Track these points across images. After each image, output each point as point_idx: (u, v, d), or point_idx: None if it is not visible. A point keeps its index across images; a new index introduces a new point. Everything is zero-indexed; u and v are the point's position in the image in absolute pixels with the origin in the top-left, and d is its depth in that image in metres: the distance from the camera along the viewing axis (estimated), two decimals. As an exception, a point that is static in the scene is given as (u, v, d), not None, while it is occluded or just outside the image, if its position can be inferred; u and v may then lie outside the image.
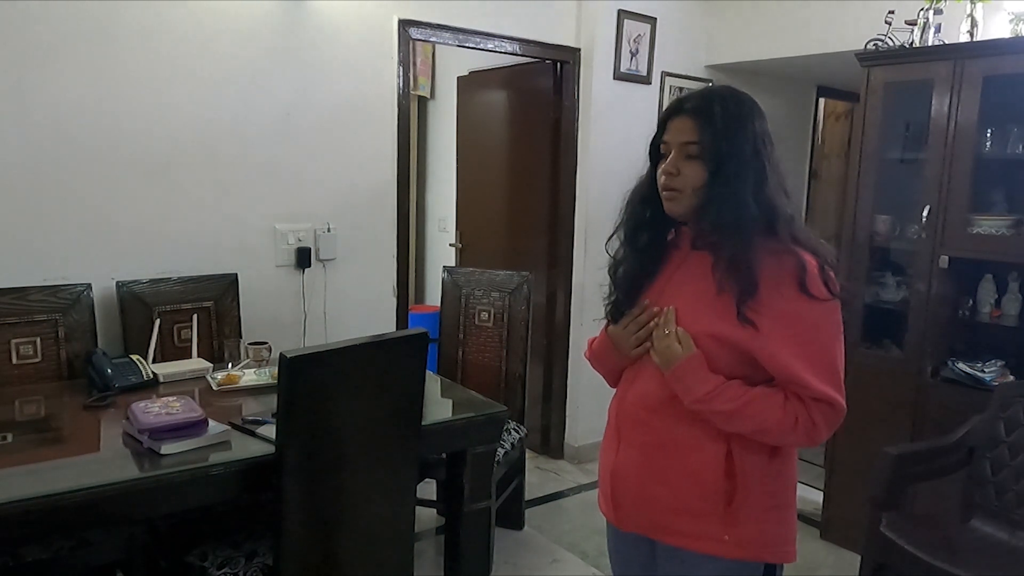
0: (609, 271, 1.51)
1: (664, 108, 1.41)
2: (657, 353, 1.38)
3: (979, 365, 2.77)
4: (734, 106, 1.33)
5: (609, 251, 1.51)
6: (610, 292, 1.50)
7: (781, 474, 1.41)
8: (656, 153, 1.40)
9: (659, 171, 1.37)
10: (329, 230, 3.11)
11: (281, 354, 1.70)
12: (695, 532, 1.38)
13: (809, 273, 1.29)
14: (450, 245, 4.82)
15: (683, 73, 4.03)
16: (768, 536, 1.38)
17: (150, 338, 2.52)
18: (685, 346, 1.34)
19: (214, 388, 2.34)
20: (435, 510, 3.11)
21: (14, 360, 2.40)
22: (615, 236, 1.50)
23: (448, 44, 3.43)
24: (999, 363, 2.76)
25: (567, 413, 3.95)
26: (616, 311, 1.49)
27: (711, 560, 1.37)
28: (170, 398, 1.96)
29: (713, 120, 1.31)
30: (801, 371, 1.29)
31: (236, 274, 2.87)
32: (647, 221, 1.44)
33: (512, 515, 3.14)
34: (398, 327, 3.33)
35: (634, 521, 1.46)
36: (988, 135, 2.73)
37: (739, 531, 1.35)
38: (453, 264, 4.48)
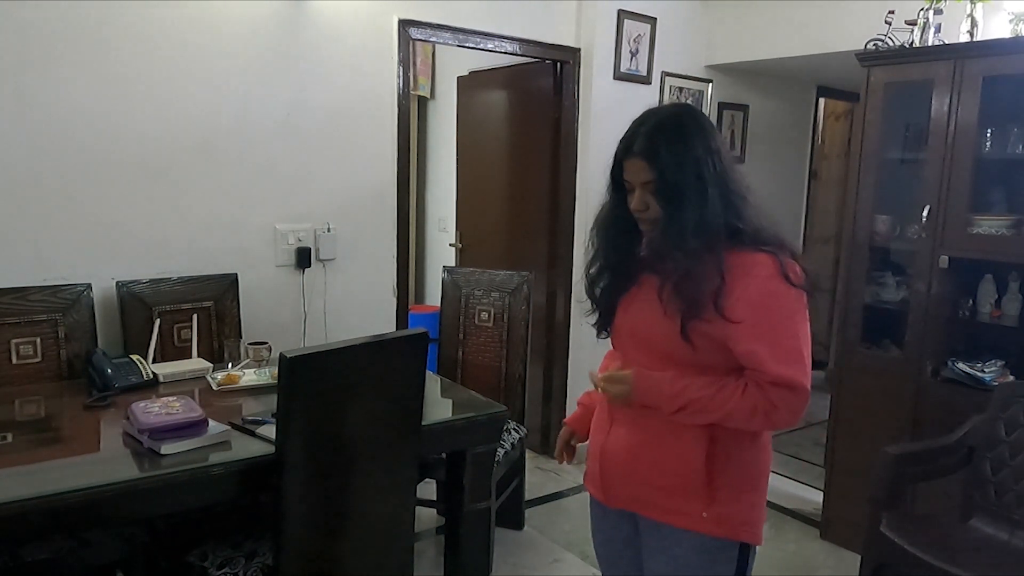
0: (586, 290, 1.62)
1: (618, 144, 1.49)
2: (613, 401, 1.52)
3: (979, 365, 2.77)
4: (678, 140, 1.41)
5: (585, 272, 1.63)
6: (592, 309, 1.62)
7: (758, 460, 1.52)
8: (618, 183, 1.50)
9: (631, 206, 1.47)
10: (329, 230, 3.11)
11: (281, 354, 1.70)
12: (676, 508, 1.48)
13: (768, 268, 1.39)
14: (450, 245, 4.81)
15: (683, 73, 4.03)
16: (743, 516, 1.49)
17: (150, 338, 2.53)
18: (625, 379, 1.47)
19: (214, 388, 2.34)
20: (435, 510, 3.11)
21: (14, 360, 2.39)
22: (592, 260, 1.61)
23: (448, 44, 3.43)
24: (999, 363, 2.76)
25: (567, 413, 3.93)
26: (601, 326, 1.61)
27: (690, 535, 1.48)
28: (170, 398, 1.96)
29: (660, 160, 1.41)
30: (763, 357, 1.38)
31: (236, 274, 2.87)
32: (619, 245, 1.55)
33: (512, 515, 3.14)
34: (398, 327, 3.33)
35: (620, 497, 1.58)
36: (988, 135, 2.73)
37: (717, 509, 1.46)
38: (453, 264, 4.48)
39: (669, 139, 1.41)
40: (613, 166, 1.50)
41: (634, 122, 1.47)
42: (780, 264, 1.38)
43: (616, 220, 1.54)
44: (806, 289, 1.41)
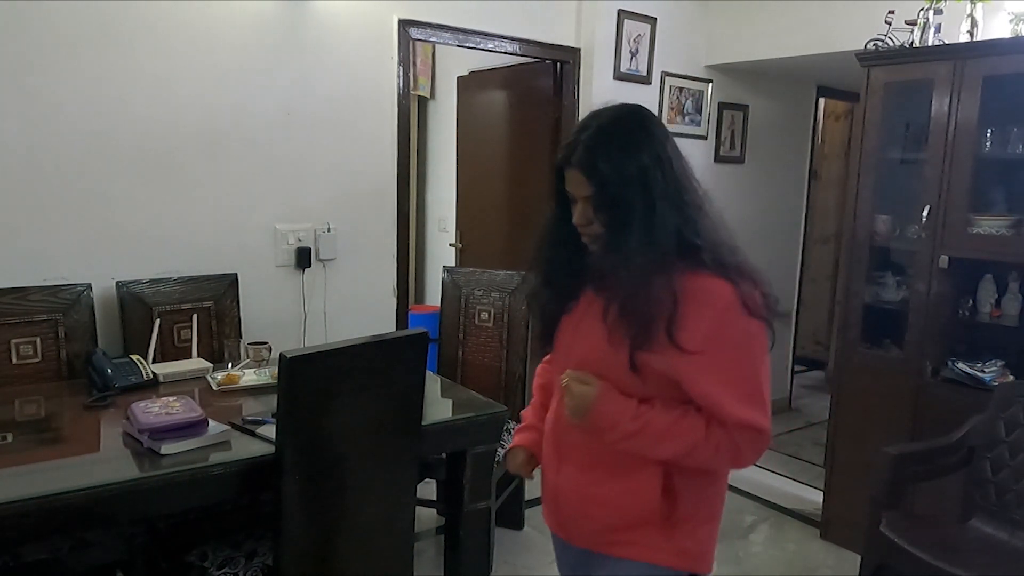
0: (527, 303, 1.51)
1: (558, 152, 1.35)
2: (572, 400, 1.34)
3: (979, 365, 2.77)
4: (620, 149, 1.28)
5: (526, 283, 1.50)
6: (533, 324, 1.52)
7: (716, 488, 1.43)
8: (561, 194, 1.37)
9: (573, 219, 1.35)
10: (329, 230, 3.11)
11: (281, 354, 1.70)
12: (635, 541, 1.38)
13: (727, 298, 1.26)
14: (450, 245, 4.82)
15: (683, 73, 4.03)
16: (702, 546, 1.40)
17: (150, 338, 2.52)
18: (591, 382, 1.33)
19: (214, 388, 2.34)
20: (435, 510, 3.11)
21: (14, 360, 2.39)
22: (532, 271, 1.50)
23: (448, 44, 3.43)
24: (999, 363, 2.76)
25: (567, 413, 3.94)
26: (543, 342, 1.50)
27: (644, 567, 1.38)
28: (170, 398, 1.96)
29: (599, 174, 1.28)
30: (723, 399, 1.27)
31: (236, 274, 2.87)
32: (561, 259, 1.43)
33: (512, 515, 3.14)
34: (398, 327, 3.33)
35: (579, 537, 1.47)
36: (988, 135, 2.73)
37: (678, 542, 1.37)
38: (453, 264, 4.48)
39: (609, 149, 1.28)
40: (554, 175, 1.37)
41: (576, 127, 1.35)
42: (740, 293, 1.26)
43: (559, 232, 1.41)
44: (766, 319, 1.29)
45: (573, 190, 1.33)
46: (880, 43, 2.93)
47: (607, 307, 1.30)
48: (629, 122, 1.32)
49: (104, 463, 1.84)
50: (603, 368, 1.33)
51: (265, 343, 2.55)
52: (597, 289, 1.36)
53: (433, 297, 5.11)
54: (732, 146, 4.36)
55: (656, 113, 3.89)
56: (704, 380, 1.27)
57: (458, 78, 4.64)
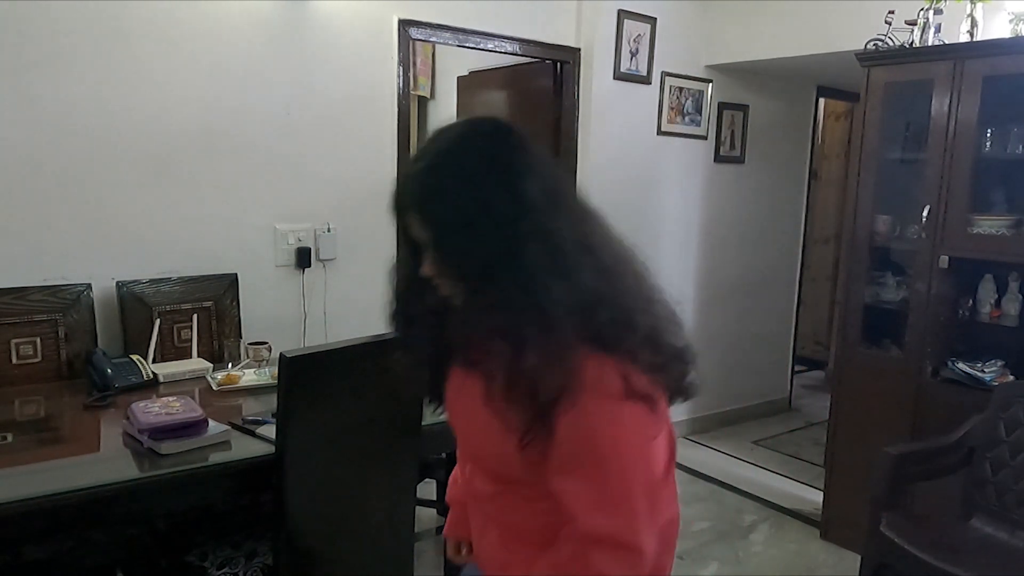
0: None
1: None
2: None
3: (979, 365, 2.77)
4: (458, 183, 0.99)
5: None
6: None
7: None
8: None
9: (423, 268, 1.08)
10: (329, 230, 3.11)
11: (281, 354, 1.70)
12: None
13: (589, 377, 0.97)
14: (450, 245, 4.81)
15: (683, 73, 4.03)
16: None
17: (150, 338, 2.52)
18: None
19: (214, 388, 2.34)
20: (435, 510, 3.10)
21: (14, 360, 2.39)
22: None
23: (448, 44, 3.43)
24: (999, 363, 2.76)
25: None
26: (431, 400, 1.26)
27: None
28: (170, 398, 1.96)
29: (433, 215, 1.01)
30: (574, 498, 1.00)
31: (236, 274, 2.87)
32: (422, 319, 1.16)
33: (512, 515, 3.14)
34: (398, 327, 3.33)
35: None
36: (988, 135, 2.73)
37: None
38: (453, 264, 4.47)
39: (444, 182, 1.00)
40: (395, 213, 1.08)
41: (414, 153, 1.10)
42: (610, 369, 0.98)
43: (412, 282, 1.14)
44: (648, 398, 1.00)
45: (414, 234, 1.06)
46: (880, 43, 2.93)
47: (488, 385, 1.02)
48: (473, 146, 1.03)
49: (104, 463, 1.84)
50: (503, 459, 1.07)
51: (265, 343, 2.55)
52: (466, 362, 1.09)
53: (433, 297, 5.10)
54: (732, 146, 4.36)
55: (655, 113, 3.95)
56: (560, 476, 1.01)
57: (458, 78, 4.64)
